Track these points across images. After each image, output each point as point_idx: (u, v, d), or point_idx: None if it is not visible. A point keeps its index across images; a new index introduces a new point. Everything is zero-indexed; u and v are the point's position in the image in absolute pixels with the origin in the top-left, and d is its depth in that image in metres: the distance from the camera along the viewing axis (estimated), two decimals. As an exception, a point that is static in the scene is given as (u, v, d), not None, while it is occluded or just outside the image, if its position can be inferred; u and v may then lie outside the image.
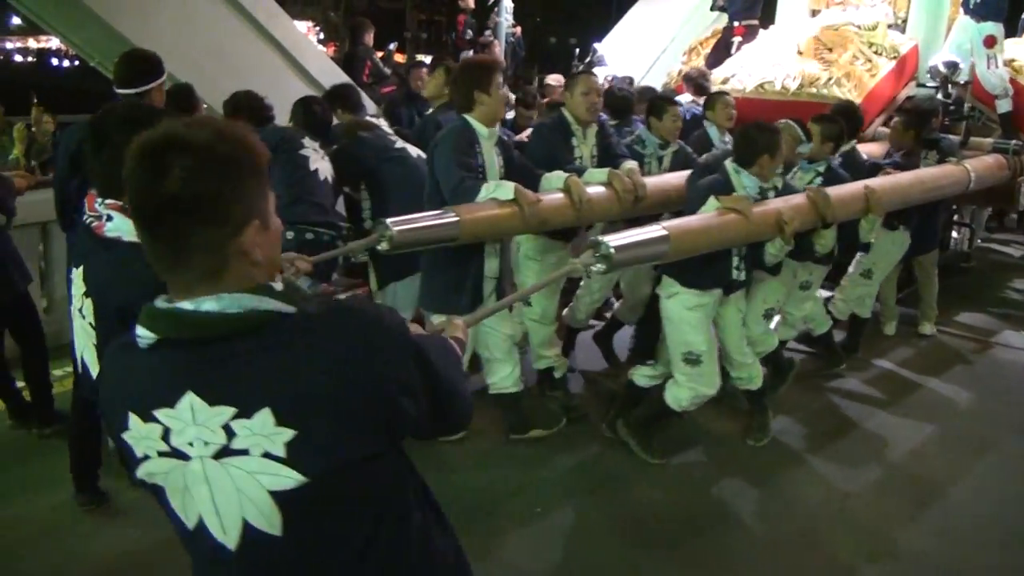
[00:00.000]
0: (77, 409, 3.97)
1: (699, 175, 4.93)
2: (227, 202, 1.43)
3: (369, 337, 1.51)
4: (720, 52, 9.64)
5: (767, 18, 10.25)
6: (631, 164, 5.12)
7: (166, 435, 1.50)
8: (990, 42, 8.06)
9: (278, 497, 1.48)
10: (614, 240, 3.69)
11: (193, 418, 1.47)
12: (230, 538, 1.53)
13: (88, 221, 2.43)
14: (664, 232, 3.93)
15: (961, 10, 8.35)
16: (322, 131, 5.36)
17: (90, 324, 2.52)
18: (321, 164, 5.13)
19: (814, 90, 7.85)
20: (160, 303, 1.49)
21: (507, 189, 4.34)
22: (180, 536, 1.60)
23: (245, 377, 1.45)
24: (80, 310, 2.58)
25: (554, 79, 8.66)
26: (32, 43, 52.96)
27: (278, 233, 1.56)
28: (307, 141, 5.11)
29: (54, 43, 44.90)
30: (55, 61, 45.02)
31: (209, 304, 1.44)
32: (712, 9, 10.70)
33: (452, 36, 10.95)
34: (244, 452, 1.46)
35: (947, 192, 6.68)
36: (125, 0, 6.39)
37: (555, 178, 4.72)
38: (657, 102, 5.88)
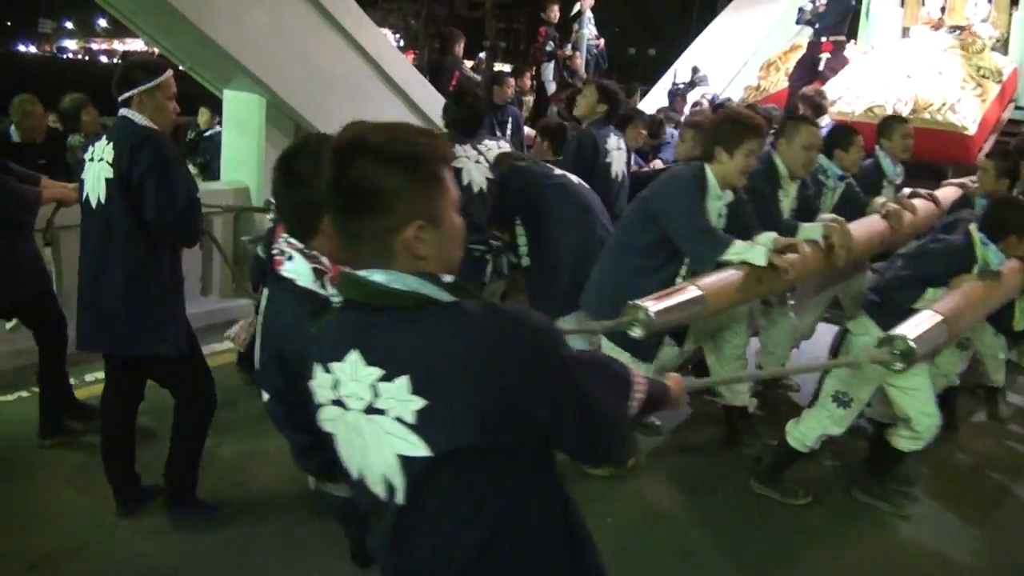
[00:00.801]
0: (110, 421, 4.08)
1: (943, 230, 4.61)
2: (390, 200, 1.60)
3: (515, 336, 1.62)
4: (806, 68, 9.54)
5: (850, 34, 10.12)
6: (828, 215, 4.55)
7: (335, 385, 1.71)
8: None
9: (404, 462, 1.64)
10: (911, 333, 3.18)
11: (354, 373, 1.67)
12: (380, 490, 1.71)
13: (273, 251, 2.35)
14: (939, 317, 3.39)
15: None
16: (476, 125, 5.28)
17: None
18: (475, 174, 4.99)
19: (927, 115, 7.64)
20: (350, 270, 1.69)
21: (760, 254, 3.81)
22: (349, 484, 1.81)
23: (395, 345, 1.63)
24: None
25: None
26: (118, 45, 54.39)
27: (454, 231, 1.71)
28: (459, 150, 4.96)
29: (138, 45, 45.98)
30: (140, 63, 45.85)
31: (378, 276, 1.64)
32: (798, 23, 10.52)
33: (532, 47, 10.94)
34: (382, 412, 1.64)
35: None
36: (217, 6, 6.45)
37: (810, 229, 4.31)
38: (843, 133, 5.52)
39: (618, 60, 19.21)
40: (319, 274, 2.27)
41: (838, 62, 9.33)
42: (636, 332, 3.32)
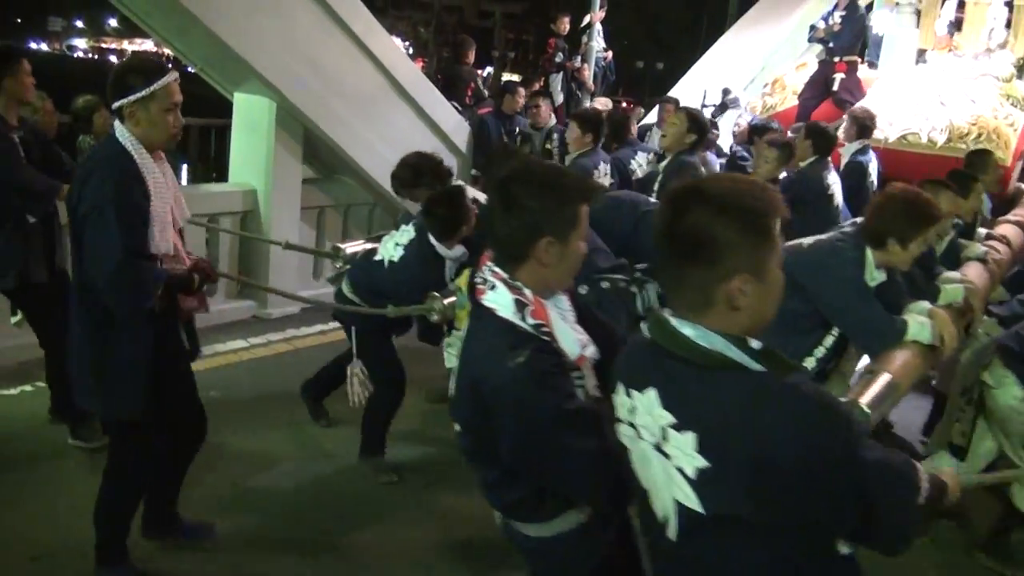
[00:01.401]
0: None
1: None
2: (721, 250, 1.66)
3: (823, 431, 1.64)
4: (817, 87, 9.50)
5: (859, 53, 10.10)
6: (956, 274, 4.40)
7: (632, 411, 1.83)
8: None
9: (679, 508, 1.74)
10: None
11: (650, 409, 1.77)
12: (659, 514, 1.81)
13: (476, 280, 2.28)
14: None
15: None
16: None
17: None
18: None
19: (963, 145, 7.56)
20: (663, 312, 1.79)
21: (928, 334, 3.61)
22: (639, 499, 1.91)
23: (690, 399, 1.71)
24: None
25: (601, 103, 8.48)
26: (128, 45, 54.60)
27: (776, 287, 1.76)
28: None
29: (148, 46, 46.13)
30: (149, 64, 45.99)
31: (688, 329, 1.71)
32: (810, 41, 10.42)
33: (541, 57, 11.02)
34: (668, 456, 1.74)
35: None
36: (231, 9, 6.50)
37: (952, 291, 4.13)
38: (963, 179, 5.19)
39: (626, 73, 19.30)
40: (520, 306, 2.16)
41: (852, 83, 9.31)
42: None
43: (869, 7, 10.36)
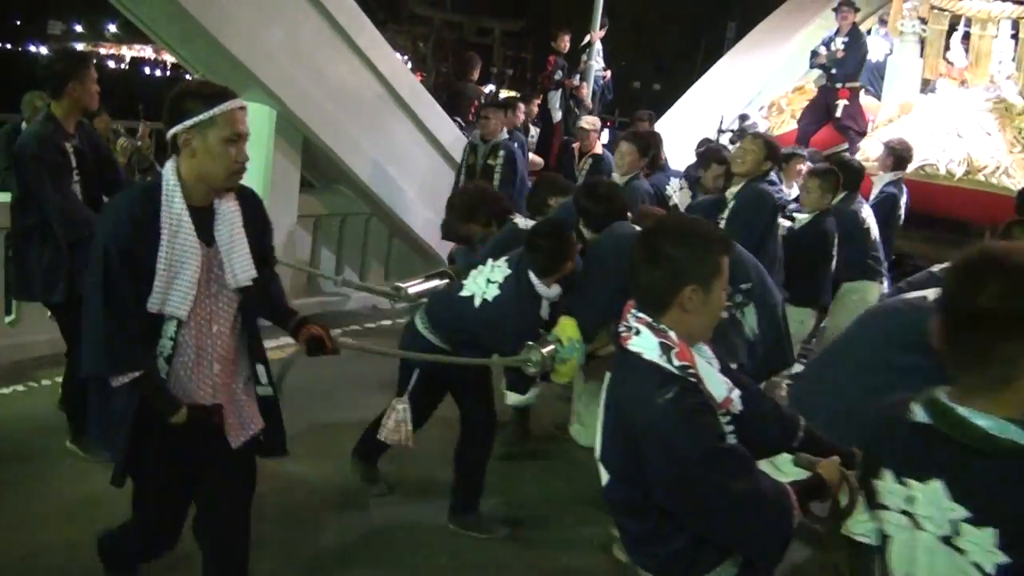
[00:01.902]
0: None
1: None
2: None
3: None
4: (819, 112, 9.59)
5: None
6: None
7: (910, 501, 1.82)
8: None
9: None
10: None
11: (935, 500, 1.77)
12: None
13: (620, 329, 2.30)
14: None
15: None
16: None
17: (601, 431, 2.36)
18: None
19: (981, 178, 7.70)
20: (943, 397, 1.78)
21: None
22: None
23: (990, 493, 1.71)
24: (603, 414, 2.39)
25: (588, 122, 8.45)
26: (126, 51, 54.66)
27: None
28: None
29: (147, 52, 46.21)
30: (147, 70, 46.19)
31: (982, 420, 1.70)
32: (812, 67, 10.44)
33: (540, 75, 11.10)
34: (961, 551, 1.74)
35: None
36: (237, 19, 6.55)
37: None
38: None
39: (623, 93, 19.36)
40: (665, 348, 2.19)
41: (855, 109, 9.39)
42: None
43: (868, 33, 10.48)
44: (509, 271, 4.12)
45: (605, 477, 2.33)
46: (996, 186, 7.52)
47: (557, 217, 4.54)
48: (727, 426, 2.23)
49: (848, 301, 5.98)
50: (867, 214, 6.35)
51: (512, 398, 4.34)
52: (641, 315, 2.24)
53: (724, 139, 9.81)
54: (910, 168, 7.94)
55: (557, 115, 10.74)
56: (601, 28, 11.03)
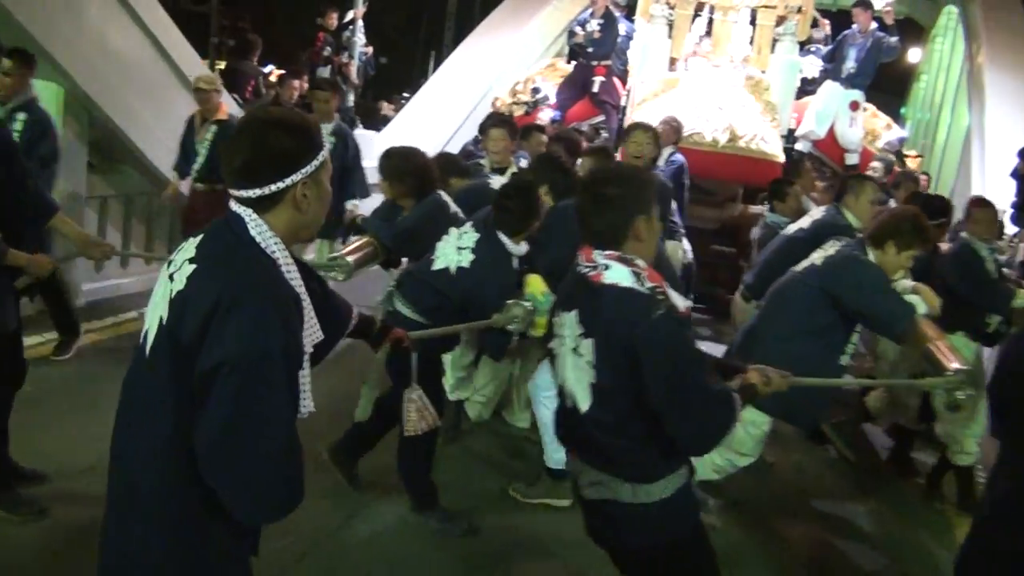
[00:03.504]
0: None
1: None
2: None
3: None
4: (576, 88, 10.37)
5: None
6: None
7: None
8: (855, 107, 9.57)
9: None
10: None
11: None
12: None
13: (584, 271, 2.62)
14: None
15: (830, 78, 9.87)
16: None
17: (588, 363, 2.58)
18: None
19: (742, 144, 8.57)
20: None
21: (923, 304, 4.53)
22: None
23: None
24: (576, 350, 2.62)
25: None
26: None
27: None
28: None
29: None
30: None
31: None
32: (570, 46, 11.24)
33: (308, 51, 11.12)
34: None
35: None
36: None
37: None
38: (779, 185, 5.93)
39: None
40: (637, 275, 2.54)
41: (610, 85, 10.29)
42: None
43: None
44: (478, 235, 4.22)
45: (585, 405, 2.62)
46: (755, 151, 8.52)
47: (524, 179, 4.68)
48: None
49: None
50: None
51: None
52: (608, 252, 2.59)
53: (519, 111, 10.38)
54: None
55: (327, 90, 10.82)
56: (364, 4, 11.21)
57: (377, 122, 13.61)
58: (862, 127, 9.95)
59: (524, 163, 6.25)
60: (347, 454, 4.55)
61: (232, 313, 1.87)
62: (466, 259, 4.18)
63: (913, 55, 26.79)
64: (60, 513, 4.01)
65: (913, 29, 25.09)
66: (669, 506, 2.62)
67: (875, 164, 8.16)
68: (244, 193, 2.00)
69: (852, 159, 9.97)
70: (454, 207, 4.67)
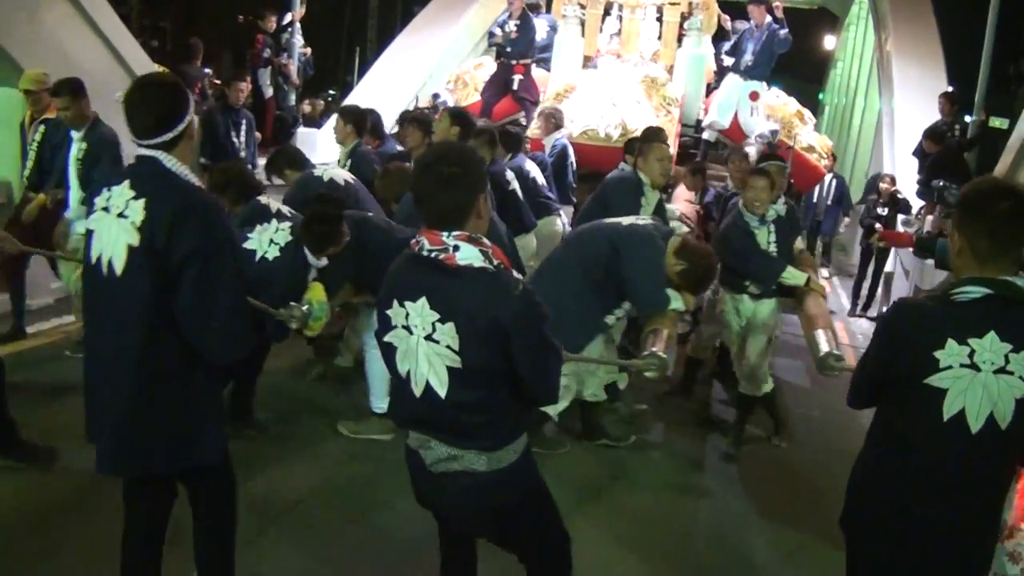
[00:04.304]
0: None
1: None
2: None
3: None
4: (498, 85, 10.93)
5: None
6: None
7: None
8: (754, 97, 10.34)
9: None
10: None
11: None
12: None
13: (432, 254, 2.58)
14: None
15: (730, 71, 10.56)
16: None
17: (448, 347, 2.58)
18: None
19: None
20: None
21: (679, 301, 4.98)
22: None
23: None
24: (430, 337, 2.60)
25: None
26: None
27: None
28: None
29: None
30: None
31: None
32: (490, 45, 11.97)
33: (249, 52, 11.53)
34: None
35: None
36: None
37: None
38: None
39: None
40: (485, 253, 2.57)
41: (528, 82, 10.87)
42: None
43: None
44: (291, 238, 4.79)
45: (443, 390, 2.63)
46: None
47: (334, 208, 5.07)
48: None
49: (539, 234, 7.25)
50: (530, 167, 7.61)
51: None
52: (456, 232, 2.57)
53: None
54: (576, 132, 9.57)
55: (268, 91, 11.32)
56: (301, 6, 11.70)
57: (317, 120, 14.10)
58: (764, 115, 10.64)
59: None
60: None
61: (187, 220, 2.76)
62: (272, 253, 4.76)
63: (829, 43, 27.90)
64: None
65: (829, 18, 26.21)
66: (519, 465, 2.77)
67: (749, 151, 8.92)
68: (157, 140, 2.84)
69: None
70: (276, 206, 5.12)
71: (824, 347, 4.47)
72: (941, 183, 8.79)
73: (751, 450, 5.84)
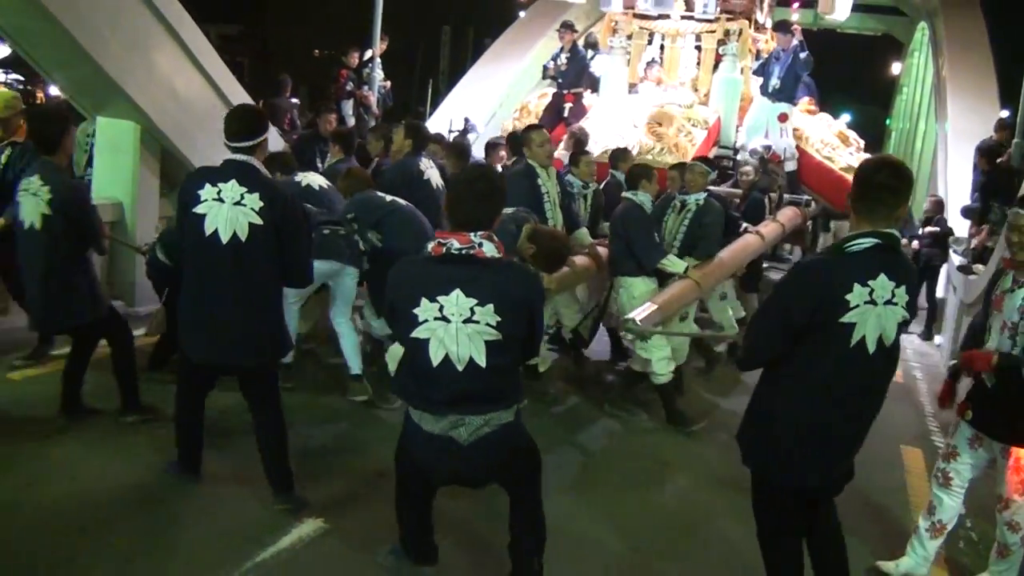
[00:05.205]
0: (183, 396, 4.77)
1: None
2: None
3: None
4: (552, 113, 11.83)
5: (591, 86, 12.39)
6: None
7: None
8: (783, 118, 10.77)
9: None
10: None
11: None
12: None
13: (462, 251, 3.22)
14: None
15: (759, 93, 11.02)
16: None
17: (487, 324, 3.20)
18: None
19: (650, 157, 10.00)
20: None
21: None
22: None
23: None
24: (468, 320, 3.19)
25: None
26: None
27: None
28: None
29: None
30: None
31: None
32: (544, 78, 12.84)
33: (333, 86, 12.35)
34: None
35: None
36: (110, 44, 7.66)
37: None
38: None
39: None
40: (498, 249, 3.30)
41: (579, 109, 11.82)
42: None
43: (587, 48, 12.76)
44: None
45: (483, 360, 3.24)
46: (660, 163, 9.53)
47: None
48: None
49: None
50: (426, 166, 7.48)
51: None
52: (480, 232, 3.25)
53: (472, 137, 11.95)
54: (596, 152, 9.86)
55: (351, 121, 12.16)
56: (382, 42, 12.58)
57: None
58: (792, 136, 11.19)
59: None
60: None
61: (289, 203, 4.35)
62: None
63: (895, 69, 27.96)
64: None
65: (895, 44, 26.34)
66: (520, 413, 3.49)
67: (746, 168, 9.38)
68: (245, 144, 4.27)
69: (790, 166, 11.19)
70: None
71: (631, 314, 5.64)
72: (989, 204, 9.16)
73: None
